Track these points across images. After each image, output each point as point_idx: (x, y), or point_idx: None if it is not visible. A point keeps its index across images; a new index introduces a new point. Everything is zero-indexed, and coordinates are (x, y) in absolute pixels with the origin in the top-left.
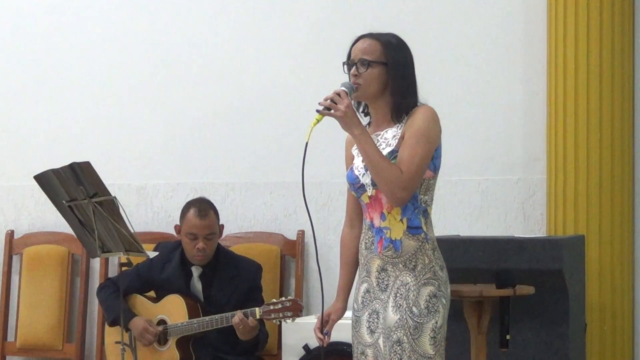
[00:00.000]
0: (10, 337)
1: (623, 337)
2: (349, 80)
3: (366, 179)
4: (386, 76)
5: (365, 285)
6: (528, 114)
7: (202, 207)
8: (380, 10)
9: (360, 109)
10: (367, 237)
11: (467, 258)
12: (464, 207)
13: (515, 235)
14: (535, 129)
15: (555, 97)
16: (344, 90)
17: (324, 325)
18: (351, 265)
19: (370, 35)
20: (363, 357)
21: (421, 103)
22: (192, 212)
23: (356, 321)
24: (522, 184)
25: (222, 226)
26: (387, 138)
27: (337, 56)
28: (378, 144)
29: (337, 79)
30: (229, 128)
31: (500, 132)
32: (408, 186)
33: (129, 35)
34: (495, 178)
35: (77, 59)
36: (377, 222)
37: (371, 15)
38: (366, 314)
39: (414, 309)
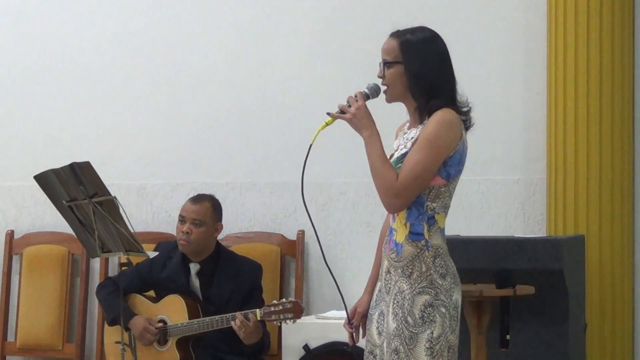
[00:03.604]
0: (10, 337)
1: (623, 337)
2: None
3: None
4: (405, 76)
5: (379, 284)
6: (528, 114)
7: (200, 195)
8: (381, 13)
9: None
10: (387, 235)
11: (467, 258)
12: (464, 207)
13: (515, 235)
14: (535, 129)
15: (555, 97)
16: (361, 93)
17: (351, 318)
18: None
19: (392, 34)
20: (371, 356)
21: (460, 103)
22: (190, 198)
23: (369, 319)
24: (522, 184)
25: (220, 225)
26: (407, 140)
27: (338, 57)
28: (402, 144)
29: (338, 78)
30: (229, 128)
31: (500, 132)
32: (401, 194)
33: (129, 36)
34: (495, 178)
35: (77, 60)
36: (391, 221)
37: (372, 18)
38: (377, 313)
39: (409, 318)
